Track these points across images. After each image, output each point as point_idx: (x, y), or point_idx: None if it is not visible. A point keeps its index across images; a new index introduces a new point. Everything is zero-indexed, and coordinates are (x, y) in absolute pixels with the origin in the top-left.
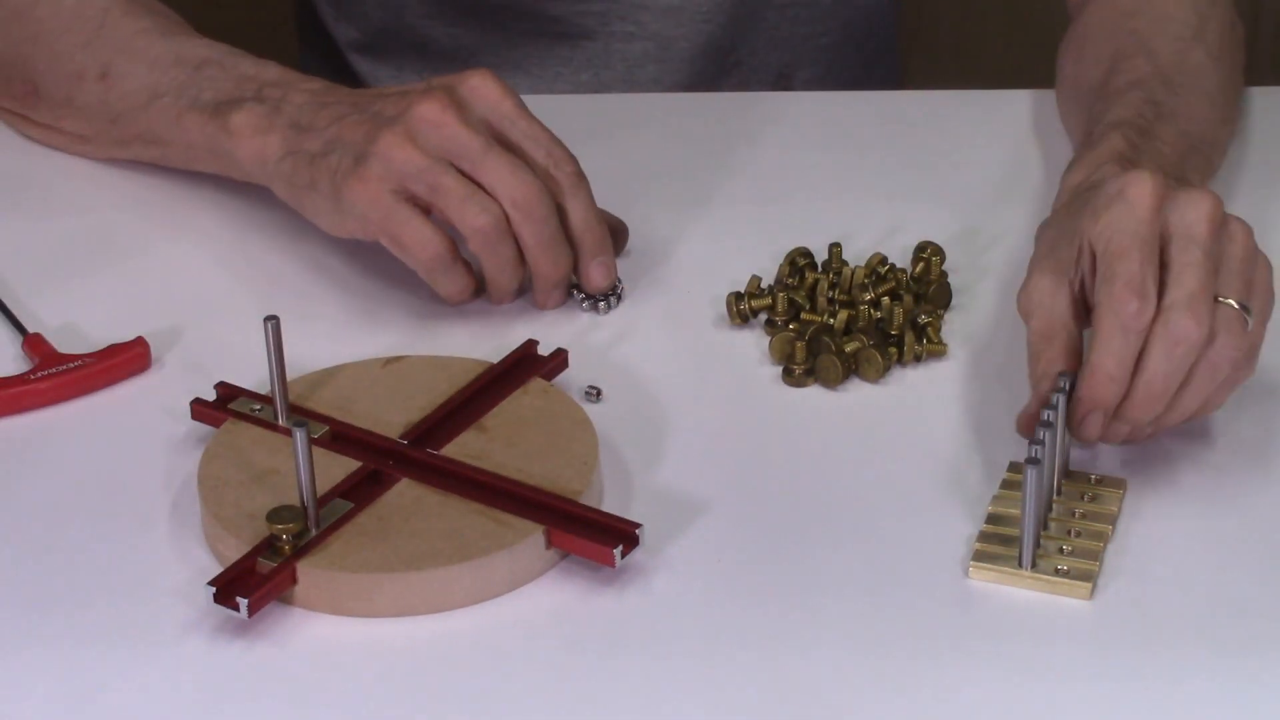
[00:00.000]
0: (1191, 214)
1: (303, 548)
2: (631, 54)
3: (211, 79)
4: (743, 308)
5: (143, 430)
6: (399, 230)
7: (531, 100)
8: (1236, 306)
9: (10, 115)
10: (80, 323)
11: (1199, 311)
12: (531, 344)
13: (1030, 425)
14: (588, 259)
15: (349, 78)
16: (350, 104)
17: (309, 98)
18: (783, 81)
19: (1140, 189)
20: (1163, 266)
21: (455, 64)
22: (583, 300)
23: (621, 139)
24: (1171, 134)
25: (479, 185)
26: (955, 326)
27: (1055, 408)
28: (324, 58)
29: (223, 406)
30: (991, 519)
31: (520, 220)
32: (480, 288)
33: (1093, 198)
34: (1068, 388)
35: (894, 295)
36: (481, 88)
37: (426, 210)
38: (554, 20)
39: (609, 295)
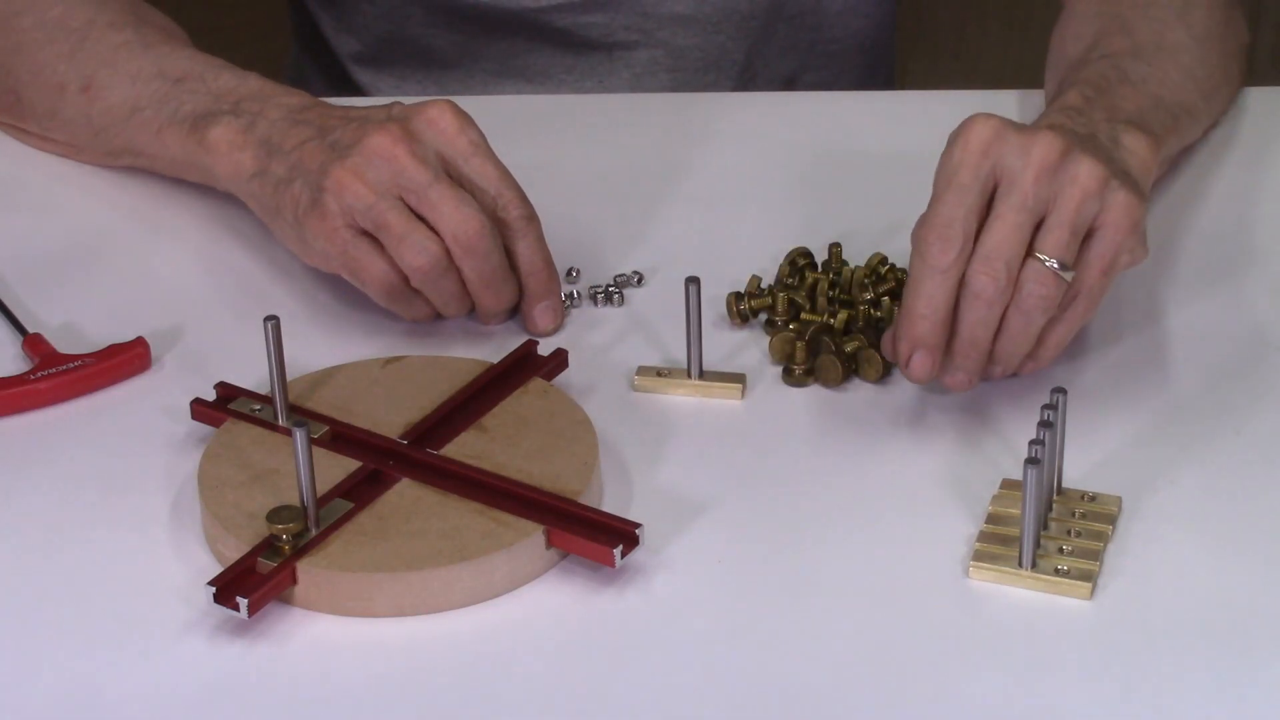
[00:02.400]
0: (1019, 159)
1: (303, 548)
2: (637, 62)
3: (191, 92)
4: (743, 308)
5: (143, 430)
6: (354, 266)
7: (536, 100)
8: (1046, 261)
9: (4, 125)
10: (80, 323)
11: (994, 267)
12: (531, 344)
13: (890, 345)
14: (532, 303)
15: (350, 89)
16: (317, 126)
17: (283, 114)
18: (787, 85)
19: (970, 130)
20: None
21: (458, 73)
22: (589, 296)
23: (621, 139)
24: (1134, 93)
25: (425, 219)
26: None
27: (1055, 408)
28: (324, 69)
29: (223, 406)
30: (991, 519)
31: (461, 255)
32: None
33: None
34: (1062, 402)
35: (894, 295)
36: (439, 120)
37: None
38: (558, 30)
39: (622, 286)
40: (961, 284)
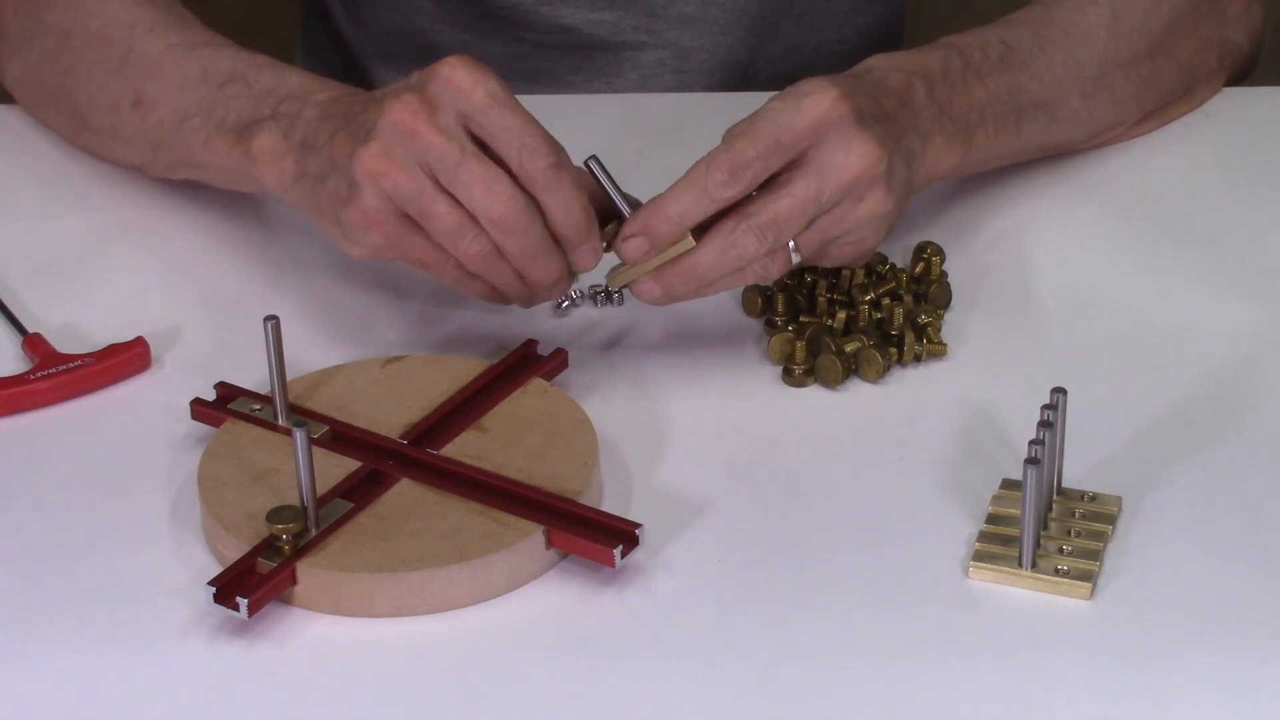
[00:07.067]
0: (839, 158)
1: (303, 548)
2: (645, 63)
3: (234, 97)
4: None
5: (143, 430)
6: (411, 253)
7: (541, 101)
8: (793, 249)
9: (79, 146)
10: (80, 323)
11: (766, 235)
12: (531, 344)
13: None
14: (571, 249)
15: (356, 82)
16: (344, 114)
17: (318, 111)
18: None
19: (817, 102)
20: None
21: None
22: (590, 296)
23: (626, 139)
24: (1001, 85)
25: (458, 199)
26: (955, 326)
27: (1055, 408)
28: (330, 62)
29: (223, 406)
30: (991, 519)
31: (500, 237)
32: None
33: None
34: (1062, 402)
35: (894, 295)
36: (451, 78)
37: None
38: (566, 29)
39: (611, 293)
40: (719, 226)
